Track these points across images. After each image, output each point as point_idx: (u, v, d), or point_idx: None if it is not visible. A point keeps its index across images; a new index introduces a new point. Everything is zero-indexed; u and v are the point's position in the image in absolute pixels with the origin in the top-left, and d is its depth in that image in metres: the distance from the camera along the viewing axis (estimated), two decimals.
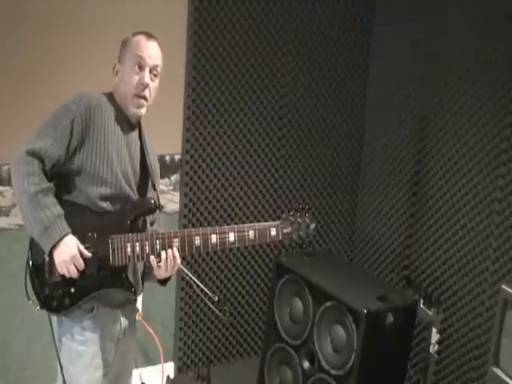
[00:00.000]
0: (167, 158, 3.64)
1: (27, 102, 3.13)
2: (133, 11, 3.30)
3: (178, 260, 2.31)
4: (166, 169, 3.64)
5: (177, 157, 3.67)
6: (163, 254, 2.28)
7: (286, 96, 3.93)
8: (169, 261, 2.28)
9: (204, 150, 3.72)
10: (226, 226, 2.36)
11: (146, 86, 2.30)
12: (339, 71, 4.10)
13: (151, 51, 2.31)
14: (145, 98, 2.31)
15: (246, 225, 2.37)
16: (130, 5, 3.32)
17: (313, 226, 2.46)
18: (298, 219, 2.43)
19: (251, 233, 2.35)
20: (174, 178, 3.69)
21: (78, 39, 3.23)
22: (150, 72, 2.31)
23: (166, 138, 3.53)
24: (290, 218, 2.42)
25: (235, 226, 2.36)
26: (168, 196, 3.68)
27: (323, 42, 3.99)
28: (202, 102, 3.65)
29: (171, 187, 3.69)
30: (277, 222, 2.41)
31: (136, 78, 2.29)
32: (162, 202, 3.56)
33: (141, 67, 2.30)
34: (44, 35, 3.17)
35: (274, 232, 2.38)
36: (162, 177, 3.63)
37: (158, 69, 2.34)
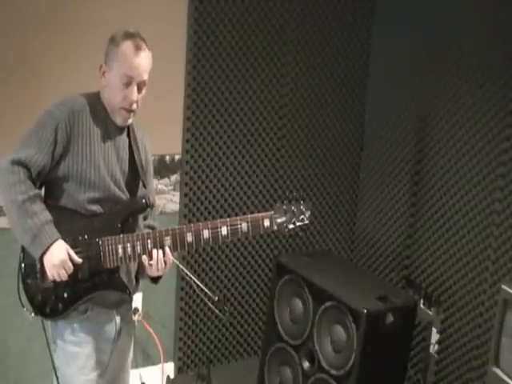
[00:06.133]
0: (167, 158, 3.64)
1: (27, 101, 3.13)
2: (133, 11, 3.30)
3: (170, 259, 2.30)
4: (166, 169, 3.64)
5: (177, 157, 3.67)
6: (154, 254, 2.26)
7: (285, 96, 3.92)
8: (160, 260, 2.27)
9: (204, 149, 3.72)
10: (218, 220, 2.31)
11: (134, 101, 2.26)
12: (339, 71, 4.09)
13: (140, 67, 2.24)
14: (132, 111, 2.29)
15: (238, 217, 2.32)
16: (130, 5, 3.32)
17: (308, 213, 2.41)
18: (293, 208, 2.38)
19: (244, 225, 2.31)
20: (174, 178, 3.69)
21: (77, 40, 3.22)
22: (138, 87, 2.26)
23: (166, 138, 3.54)
24: (284, 207, 2.37)
25: (227, 220, 2.31)
26: (168, 196, 3.68)
27: (323, 41, 3.99)
28: (202, 101, 3.65)
29: (171, 187, 3.69)
30: (270, 212, 2.36)
31: (123, 92, 2.24)
32: (162, 202, 3.62)
33: (129, 83, 2.24)
34: (43, 36, 3.16)
35: (267, 223, 2.34)
36: (162, 177, 3.63)
37: (146, 80, 2.28)
